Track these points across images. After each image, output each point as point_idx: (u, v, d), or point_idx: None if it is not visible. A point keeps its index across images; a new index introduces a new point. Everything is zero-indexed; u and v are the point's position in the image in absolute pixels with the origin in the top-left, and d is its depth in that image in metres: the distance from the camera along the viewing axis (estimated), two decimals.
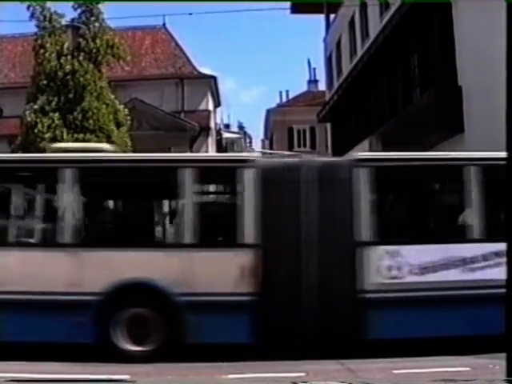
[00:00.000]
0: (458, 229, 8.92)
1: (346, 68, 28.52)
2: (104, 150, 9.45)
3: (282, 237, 8.54)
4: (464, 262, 8.51)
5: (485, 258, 8.51)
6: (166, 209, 9.41)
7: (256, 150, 51.19)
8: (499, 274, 8.25)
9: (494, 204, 8.97)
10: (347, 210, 8.53)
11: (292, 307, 8.35)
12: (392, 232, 8.93)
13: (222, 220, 9.18)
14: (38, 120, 21.30)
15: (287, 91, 48.44)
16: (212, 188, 9.58)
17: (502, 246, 8.33)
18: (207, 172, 8.76)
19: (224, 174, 8.94)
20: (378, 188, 8.65)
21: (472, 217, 8.70)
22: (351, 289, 8.40)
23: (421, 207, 9.51)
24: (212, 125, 35.16)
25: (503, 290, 8.13)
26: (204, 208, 8.85)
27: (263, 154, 9.11)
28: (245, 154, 8.75)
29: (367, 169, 8.64)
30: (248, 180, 8.49)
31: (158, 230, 9.18)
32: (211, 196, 9.67)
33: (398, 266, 8.41)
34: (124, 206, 9.41)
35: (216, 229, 9.02)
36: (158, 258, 8.34)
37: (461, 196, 8.90)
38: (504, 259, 8.18)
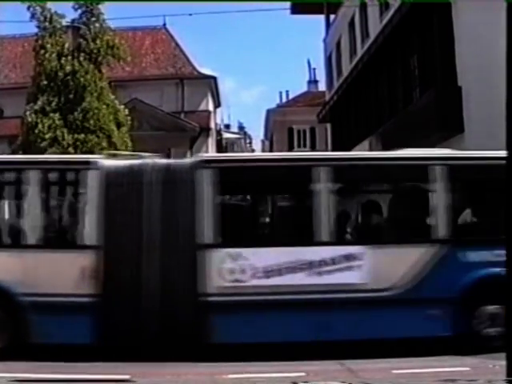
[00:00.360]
0: (304, 231, 8.73)
1: (346, 68, 28.53)
2: None
3: (124, 239, 8.53)
4: (311, 266, 8.31)
5: (334, 261, 8.33)
6: (9, 209, 9.42)
7: (256, 150, 51.31)
8: (349, 277, 8.30)
9: (343, 206, 8.92)
10: (190, 212, 8.45)
11: (133, 309, 8.32)
12: (235, 234, 8.78)
13: (65, 221, 9.28)
14: (39, 120, 21.34)
15: (287, 91, 48.35)
16: (56, 189, 9.48)
17: (351, 249, 8.37)
18: (51, 174, 8.84)
19: (67, 175, 8.97)
20: (222, 190, 8.60)
21: (320, 219, 8.47)
22: (193, 292, 8.31)
23: (265, 210, 9.41)
24: (212, 125, 35.18)
25: (352, 295, 8.17)
26: (47, 209, 9.00)
27: (108, 155, 9.20)
28: (88, 156, 8.90)
29: (210, 170, 8.55)
30: (91, 182, 8.57)
31: (2, 230, 9.11)
32: (55, 197, 9.56)
33: (241, 269, 8.27)
34: None
35: (59, 230, 9.12)
36: (2, 259, 8.41)
37: (308, 198, 8.70)
38: (353, 263, 8.31)
